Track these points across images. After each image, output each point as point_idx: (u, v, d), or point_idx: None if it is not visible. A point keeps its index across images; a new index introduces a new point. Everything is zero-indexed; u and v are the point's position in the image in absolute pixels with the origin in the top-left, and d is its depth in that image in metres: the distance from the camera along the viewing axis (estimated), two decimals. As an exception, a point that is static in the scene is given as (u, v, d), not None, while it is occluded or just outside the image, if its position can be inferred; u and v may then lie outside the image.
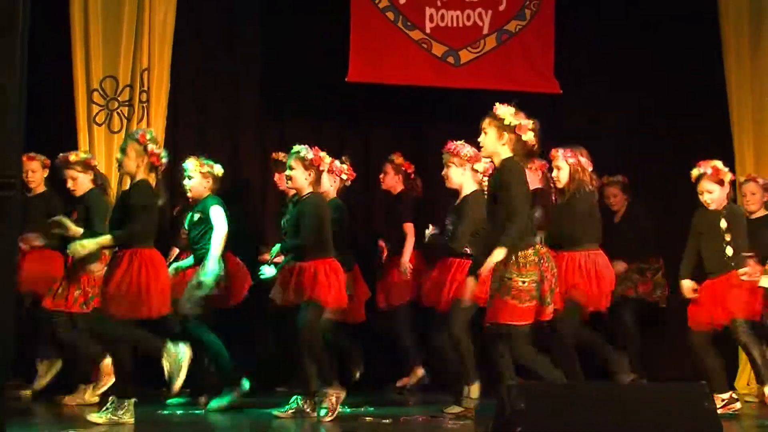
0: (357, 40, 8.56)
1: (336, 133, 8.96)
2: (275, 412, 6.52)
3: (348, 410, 6.73)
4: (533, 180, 6.98)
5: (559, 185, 6.77)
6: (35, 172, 7.63)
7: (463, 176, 6.66)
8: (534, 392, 4.74)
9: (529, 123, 5.86)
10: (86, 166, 7.23)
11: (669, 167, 8.46)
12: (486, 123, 5.87)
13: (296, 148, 6.67)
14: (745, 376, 8.39)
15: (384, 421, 6.42)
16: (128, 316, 6.04)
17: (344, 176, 7.57)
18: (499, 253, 5.57)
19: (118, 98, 7.87)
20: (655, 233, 8.26)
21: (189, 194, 7.13)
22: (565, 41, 8.80)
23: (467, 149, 6.57)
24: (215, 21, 8.87)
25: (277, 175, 7.87)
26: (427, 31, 8.75)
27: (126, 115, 7.87)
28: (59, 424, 6.18)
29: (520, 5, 8.83)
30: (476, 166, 6.61)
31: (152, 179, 6.24)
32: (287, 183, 6.71)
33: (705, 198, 6.77)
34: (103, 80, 7.84)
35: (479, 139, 5.91)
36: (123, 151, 6.21)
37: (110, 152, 7.80)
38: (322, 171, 6.68)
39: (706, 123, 8.76)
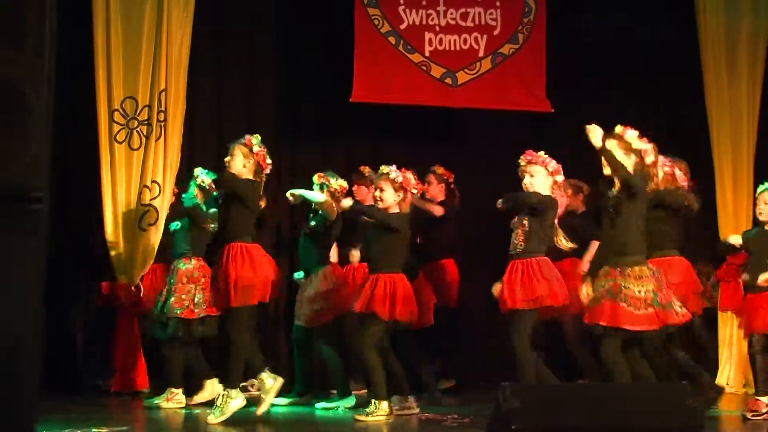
0: (360, 62, 8.61)
1: (344, 150, 9.00)
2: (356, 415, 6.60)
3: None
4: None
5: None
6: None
7: (544, 185, 6.45)
8: (528, 392, 4.76)
9: (650, 148, 6.07)
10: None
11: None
12: (614, 144, 5.97)
13: (385, 169, 6.75)
14: (724, 374, 8.37)
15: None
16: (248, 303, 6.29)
17: (414, 190, 7.64)
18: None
19: (138, 117, 7.88)
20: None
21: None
22: (555, 63, 8.83)
23: (553, 162, 6.48)
24: (230, 45, 8.94)
25: (355, 187, 7.89)
26: (427, 54, 8.79)
27: (145, 133, 7.89)
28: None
29: (513, 30, 8.87)
30: (557, 177, 6.49)
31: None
32: (378, 203, 6.72)
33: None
34: (124, 101, 7.86)
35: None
36: (229, 153, 6.46)
37: (130, 168, 7.83)
38: (408, 191, 6.74)
39: (687, 143, 8.74)
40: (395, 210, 6.69)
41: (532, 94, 8.82)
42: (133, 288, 7.79)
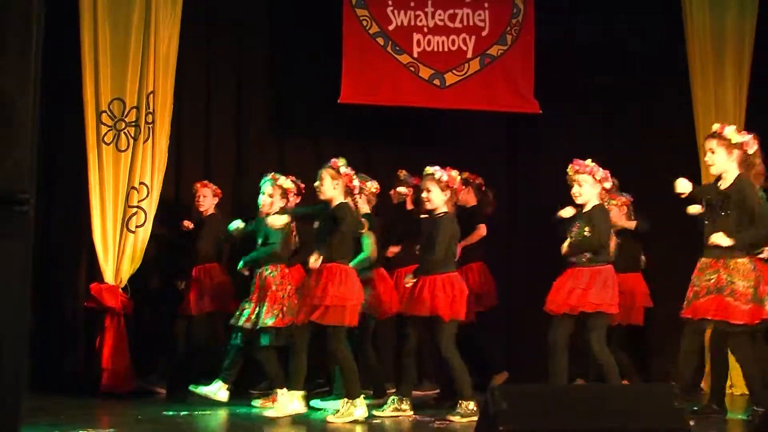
0: (349, 63, 8.60)
1: (333, 151, 8.96)
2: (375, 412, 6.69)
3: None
4: (617, 216, 7.40)
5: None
6: (206, 197, 8.18)
7: (593, 193, 6.66)
8: (516, 393, 4.76)
9: (750, 138, 6.32)
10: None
11: (639, 186, 8.45)
12: (714, 144, 6.27)
13: (430, 169, 6.87)
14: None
15: (375, 421, 6.44)
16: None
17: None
18: (725, 240, 6.14)
19: (125, 119, 7.86)
20: None
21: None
22: (544, 65, 8.83)
23: (601, 170, 6.65)
24: (218, 47, 8.93)
25: (393, 191, 8.04)
26: (415, 55, 8.78)
27: (132, 135, 7.86)
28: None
29: (501, 31, 8.87)
30: (605, 184, 6.68)
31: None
32: (426, 204, 6.82)
33: None
34: (111, 102, 7.83)
35: (706, 159, 6.34)
36: (319, 178, 6.69)
37: (117, 169, 7.81)
38: (455, 190, 6.86)
39: (674, 144, 8.78)
40: (443, 210, 6.74)
41: (520, 96, 8.81)
42: (120, 289, 7.78)
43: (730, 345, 6.39)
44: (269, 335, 7.12)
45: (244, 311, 7.18)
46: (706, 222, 6.33)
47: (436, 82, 8.77)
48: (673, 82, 8.81)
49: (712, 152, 6.35)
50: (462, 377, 6.60)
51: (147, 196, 7.87)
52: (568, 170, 6.63)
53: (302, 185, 7.73)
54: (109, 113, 7.83)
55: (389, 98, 8.72)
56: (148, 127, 7.89)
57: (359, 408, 6.41)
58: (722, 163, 6.31)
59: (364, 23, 8.70)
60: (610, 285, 6.51)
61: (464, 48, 8.85)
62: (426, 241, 6.77)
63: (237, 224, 7.44)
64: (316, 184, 6.77)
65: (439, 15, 8.83)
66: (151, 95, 7.90)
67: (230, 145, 8.96)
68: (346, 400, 6.45)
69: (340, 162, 6.75)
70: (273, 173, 7.54)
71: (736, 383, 8.14)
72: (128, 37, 7.85)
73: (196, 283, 8.07)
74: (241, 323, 7.15)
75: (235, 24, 8.96)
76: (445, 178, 6.77)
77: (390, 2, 8.77)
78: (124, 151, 7.84)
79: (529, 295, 8.03)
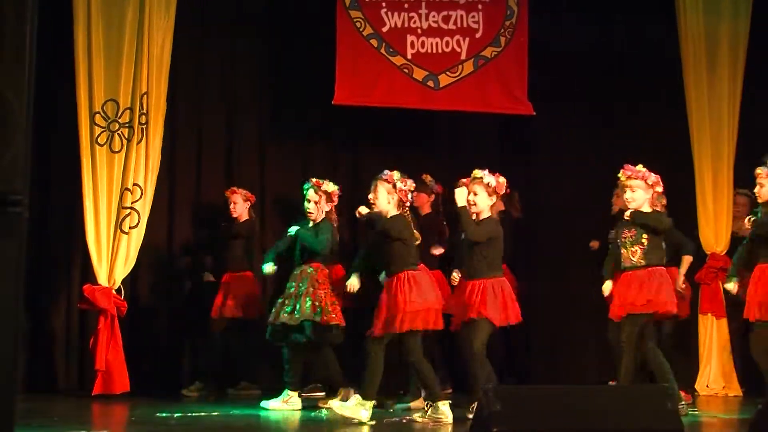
0: (343, 65, 8.60)
1: (326, 153, 9.01)
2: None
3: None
4: None
5: (761, 200, 6.89)
6: (236, 204, 8.25)
7: (645, 197, 6.71)
8: (509, 394, 4.76)
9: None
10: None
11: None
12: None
13: (479, 173, 6.80)
14: (704, 377, 8.40)
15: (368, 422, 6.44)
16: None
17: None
18: None
19: (119, 120, 7.86)
20: None
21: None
22: (538, 66, 8.84)
23: (652, 175, 6.69)
24: (212, 48, 8.92)
25: (415, 194, 7.63)
26: (409, 57, 8.78)
27: (126, 136, 7.86)
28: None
29: (495, 33, 8.87)
30: (657, 188, 6.73)
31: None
32: (471, 207, 6.72)
33: None
34: (105, 103, 7.83)
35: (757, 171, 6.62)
36: (374, 191, 6.63)
37: (111, 171, 7.81)
38: (500, 195, 6.86)
39: (669, 145, 8.79)
40: (487, 214, 6.74)
41: (514, 97, 8.81)
42: (113, 291, 7.77)
43: None
44: (307, 329, 7.13)
45: (286, 306, 7.17)
46: None
47: (430, 83, 8.77)
48: (667, 83, 8.82)
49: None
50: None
51: (141, 197, 7.87)
52: (620, 175, 6.70)
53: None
54: (103, 114, 7.82)
55: (383, 100, 8.71)
56: (142, 128, 7.89)
57: (365, 410, 6.34)
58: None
59: (358, 25, 8.70)
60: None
61: (458, 50, 8.85)
62: (473, 246, 6.71)
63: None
64: (371, 196, 6.71)
65: (433, 17, 8.84)
66: (145, 96, 7.90)
67: (223, 147, 8.96)
68: (359, 397, 6.41)
69: (396, 175, 6.65)
70: (315, 179, 7.48)
71: (729, 384, 8.19)
72: (122, 39, 7.85)
73: (225, 287, 8.13)
74: (282, 319, 7.15)
75: (229, 25, 8.96)
76: (493, 183, 6.75)
77: (384, 4, 8.77)
78: (117, 152, 7.84)
79: (528, 297, 8.01)
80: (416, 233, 6.71)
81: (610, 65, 9.16)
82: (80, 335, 8.26)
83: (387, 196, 6.60)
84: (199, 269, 8.67)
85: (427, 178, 8.14)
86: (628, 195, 6.68)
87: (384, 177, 6.63)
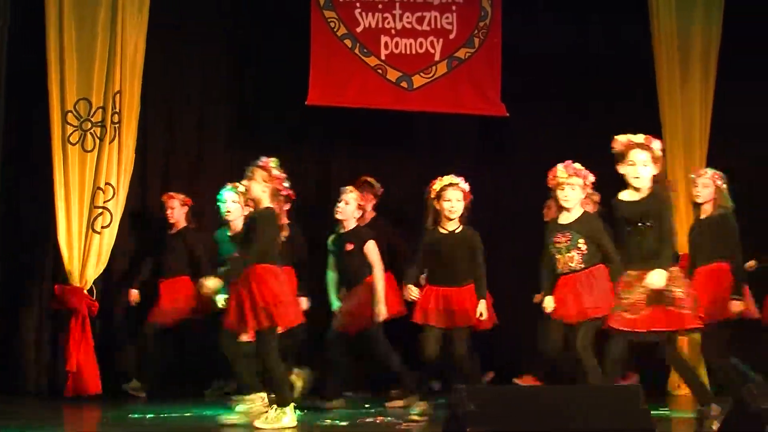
0: (316, 65, 8.58)
1: (299, 154, 8.95)
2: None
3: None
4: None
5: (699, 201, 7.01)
6: (173, 209, 8.14)
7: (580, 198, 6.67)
8: (483, 395, 4.77)
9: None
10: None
11: (607, 187, 8.49)
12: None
13: (453, 179, 6.85)
14: (675, 376, 8.42)
15: (341, 423, 6.42)
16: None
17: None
18: None
19: (91, 119, 7.82)
20: None
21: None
22: (514, 67, 8.86)
23: (591, 175, 6.66)
24: (185, 47, 8.87)
25: (360, 195, 7.69)
26: (383, 57, 8.78)
27: (99, 135, 7.82)
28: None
29: (469, 34, 8.88)
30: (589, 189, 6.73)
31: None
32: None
33: None
34: (77, 102, 7.78)
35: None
36: (248, 178, 6.26)
37: (83, 170, 7.77)
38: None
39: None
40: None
41: (487, 98, 8.82)
42: (86, 291, 7.73)
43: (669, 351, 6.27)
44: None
45: None
46: None
47: (404, 84, 8.77)
48: (641, 83, 8.85)
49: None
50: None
51: (113, 196, 7.83)
52: (559, 173, 6.54)
53: None
54: (75, 113, 7.78)
55: (356, 100, 8.70)
56: (115, 127, 7.85)
57: (287, 416, 6.04)
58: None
59: (332, 25, 8.69)
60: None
61: (432, 51, 8.86)
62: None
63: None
64: (245, 182, 6.34)
65: (407, 17, 8.83)
66: (118, 95, 7.86)
67: (194, 147, 8.90)
68: (275, 406, 6.09)
69: (272, 163, 6.33)
70: (234, 182, 7.31)
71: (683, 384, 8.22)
72: (94, 37, 7.82)
73: (163, 295, 8.10)
74: None
75: (202, 25, 8.90)
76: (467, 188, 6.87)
77: (358, 4, 8.76)
78: (90, 151, 7.80)
79: (505, 298, 8.01)
80: (285, 229, 6.40)
81: (586, 66, 9.18)
82: (51, 336, 8.18)
83: (262, 185, 6.24)
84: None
85: (371, 180, 8.11)
86: (565, 193, 6.49)
87: (260, 163, 6.28)
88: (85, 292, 7.74)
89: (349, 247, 7.23)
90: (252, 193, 6.27)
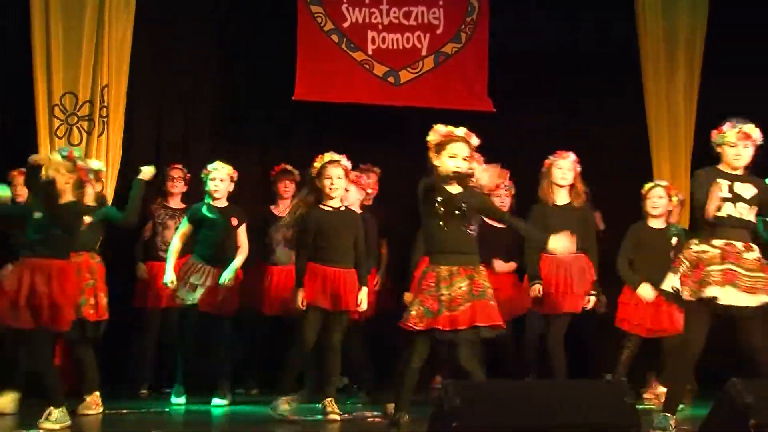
0: (303, 60, 8.58)
1: (286, 149, 8.93)
2: None
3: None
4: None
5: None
6: (23, 186, 7.63)
7: None
8: (469, 390, 4.78)
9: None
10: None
11: (595, 182, 8.51)
12: None
13: (334, 156, 6.75)
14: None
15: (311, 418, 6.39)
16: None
17: (369, 190, 7.69)
18: None
19: (78, 113, 7.80)
20: None
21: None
22: (502, 65, 8.86)
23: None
24: (171, 41, 8.83)
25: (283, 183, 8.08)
26: (369, 52, 8.78)
27: (86, 129, 7.80)
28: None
29: (456, 29, 8.89)
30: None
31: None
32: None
33: None
34: (64, 96, 7.76)
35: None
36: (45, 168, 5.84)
37: (70, 164, 7.74)
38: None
39: (629, 140, 8.86)
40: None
41: (474, 94, 8.84)
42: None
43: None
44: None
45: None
46: None
47: (391, 79, 8.78)
48: (631, 80, 8.87)
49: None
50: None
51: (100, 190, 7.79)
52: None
53: None
54: (61, 107, 7.76)
55: (343, 95, 8.70)
56: (102, 121, 7.84)
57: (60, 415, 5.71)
58: None
59: (319, 20, 8.69)
60: None
61: (419, 46, 8.87)
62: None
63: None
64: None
65: (394, 12, 8.84)
66: (105, 89, 7.85)
67: (181, 141, 8.87)
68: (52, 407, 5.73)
69: (77, 152, 5.93)
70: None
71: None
72: (81, 31, 7.79)
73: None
74: None
75: (192, 20, 8.86)
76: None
77: (345, -1, 8.77)
78: (76, 145, 7.77)
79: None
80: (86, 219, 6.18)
81: (577, 63, 9.19)
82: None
83: (66, 175, 5.81)
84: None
85: (290, 167, 8.13)
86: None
87: (64, 153, 5.87)
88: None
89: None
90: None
